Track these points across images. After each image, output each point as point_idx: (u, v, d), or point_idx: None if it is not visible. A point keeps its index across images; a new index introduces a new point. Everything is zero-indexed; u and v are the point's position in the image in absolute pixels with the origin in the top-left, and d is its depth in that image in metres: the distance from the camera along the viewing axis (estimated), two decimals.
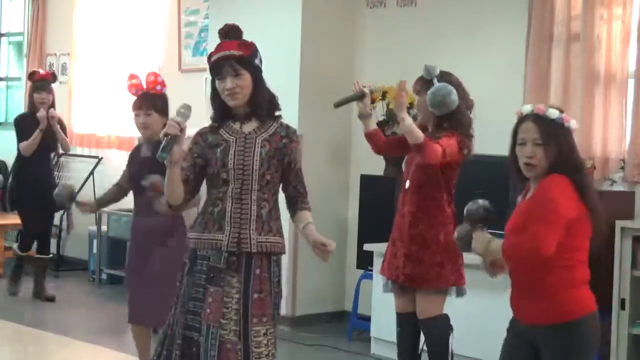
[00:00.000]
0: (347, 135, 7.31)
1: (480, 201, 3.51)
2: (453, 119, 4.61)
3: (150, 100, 4.87)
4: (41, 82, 7.65)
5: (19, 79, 10.50)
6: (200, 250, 3.69)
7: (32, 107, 7.69)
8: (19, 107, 10.36)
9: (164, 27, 8.82)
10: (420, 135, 4.40)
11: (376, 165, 6.64)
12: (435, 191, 4.65)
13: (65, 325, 6.99)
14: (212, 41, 7.78)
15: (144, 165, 4.79)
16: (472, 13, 6.70)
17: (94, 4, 9.53)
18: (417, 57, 6.40)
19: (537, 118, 3.36)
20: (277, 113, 3.80)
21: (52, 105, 7.62)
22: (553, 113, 3.35)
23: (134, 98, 4.93)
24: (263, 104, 3.74)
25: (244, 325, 3.60)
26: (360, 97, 4.82)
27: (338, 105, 4.88)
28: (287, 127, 3.77)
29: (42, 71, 8.00)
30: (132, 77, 5.01)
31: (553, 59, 6.16)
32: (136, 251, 4.94)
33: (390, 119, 6.70)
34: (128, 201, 5.15)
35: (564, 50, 6.12)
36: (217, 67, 3.69)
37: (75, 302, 7.91)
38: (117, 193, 5.07)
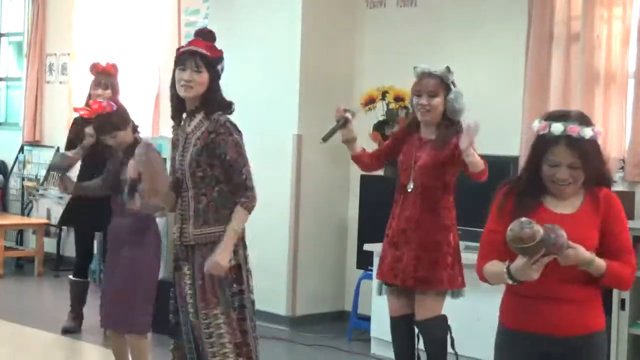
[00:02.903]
0: None
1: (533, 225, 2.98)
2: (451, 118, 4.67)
3: (109, 123, 4.83)
4: (99, 76, 6.72)
5: (19, 79, 10.50)
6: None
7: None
8: (19, 107, 10.38)
9: (164, 27, 8.82)
10: (482, 162, 4.42)
11: None
12: (442, 193, 4.65)
13: None
14: None
15: (122, 168, 4.76)
16: (472, 13, 6.70)
17: (94, 4, 9.52)
18: (417, 57, 6.40)
19: (572, 141, 3.04)
20: (219, 112, 3.96)
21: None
22: (587, 132, 3.08)
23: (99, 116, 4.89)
24: (213, 103, 3.96)
25: (197, 308, 3.96)
26: (344, 124, 4.77)
27: (326, 139, 4.77)
28: (217, 121, 3.93)
29: (103, 63, 6.90)
30: (76, 110, 5.02)
31: (553, 59, 6.16)
32: (110, 253, 4.93)
33: (390, 119, 6.70)
34: None
35: (564, 50, 6.13)
36: (182, 59, 3.99)
37: None
38: (96, 188, 5.07)
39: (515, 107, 6.26)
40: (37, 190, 9.79)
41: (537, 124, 3.16)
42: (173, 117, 4.06)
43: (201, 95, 3.94)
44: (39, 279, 9.03)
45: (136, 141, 4.83)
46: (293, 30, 7.10)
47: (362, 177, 6.91)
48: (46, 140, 10.01)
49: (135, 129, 4.96)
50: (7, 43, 10.92)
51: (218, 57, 4.00)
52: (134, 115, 5.11)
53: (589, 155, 3.08)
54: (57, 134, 9.77)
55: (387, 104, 6.72)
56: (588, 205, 3.16)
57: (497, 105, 6.42)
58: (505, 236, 2.95)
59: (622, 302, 5.35)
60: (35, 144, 10.03)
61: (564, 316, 3.13)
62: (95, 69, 6.84)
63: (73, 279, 6.76)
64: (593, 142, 3.10)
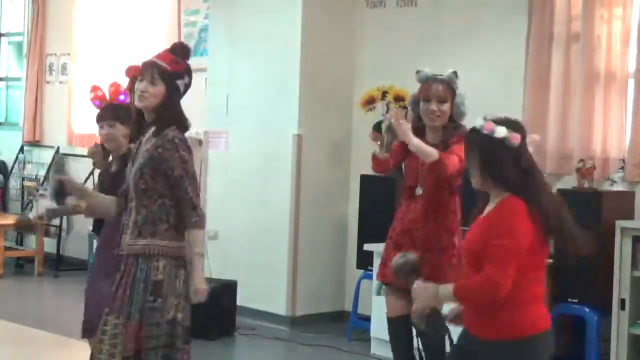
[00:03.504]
0: (347, 135, 7.31)
1: (408, 254, 3.56)
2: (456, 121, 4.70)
3: (113, 112, 4.76)
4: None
5: (19, 79, 10.51)
6: None
7: None
8: (19, 107, 10.39)
9: (164, 27, 8.82)
10: (433, 152, 4.43)
11: None
12: (448, 196, 4.66)
13: (65, 325, 6.98)
14: (212, 41, 7.80)
15: (116, 178, 4.68)
16: (472, 13, 6.70)
17: (94, 4, 9.53)
18: (417, 57, 6.42)
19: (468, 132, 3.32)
20: (172, 127, 3.91)
21: None
22: (478, 122, 3.20)
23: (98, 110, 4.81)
24: (166, 118, 3.91)
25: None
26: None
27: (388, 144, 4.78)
28: (165, 136, 3.88)
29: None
30: (94, 88, 4.92)
31: (553, 59, 6.17)
32: (100, 255, 4.80)
33: None
34: None
35: (564, 50, 6.13)
36: (143, 69, 3.95)
37: (75, 302, 7.89)
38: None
39: (515, 107, 6.25)
40: (37, 190, 9.78)
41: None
42: (131, 132, 4.15)
43: (156, 108, 3.91)
44: (39, 279, 9.03)
45: (130, 152, 4.77)
46: (293, 30, 7.10)
47: (362, 177, 6.91)
48: (46, 140, 10.02)
49: (133, 140, 4.91)
50: (7, 43, 10.92)
51: (177, 72, 3.93)
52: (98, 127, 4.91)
53: (471, 142, 3.22)
54: (57, 134, 9.79)
55: (387, 104, 6.73)
56: (492, 212, 3.20)
57: (497, 105, 6.39)
58: None
59: (622, 302, 5.35)
60: (35, 144, 10.04)
61: (466, 313, 3.28)
62: (133, 71, 6.68)
63: None
64: (478, 134, 3.18)
